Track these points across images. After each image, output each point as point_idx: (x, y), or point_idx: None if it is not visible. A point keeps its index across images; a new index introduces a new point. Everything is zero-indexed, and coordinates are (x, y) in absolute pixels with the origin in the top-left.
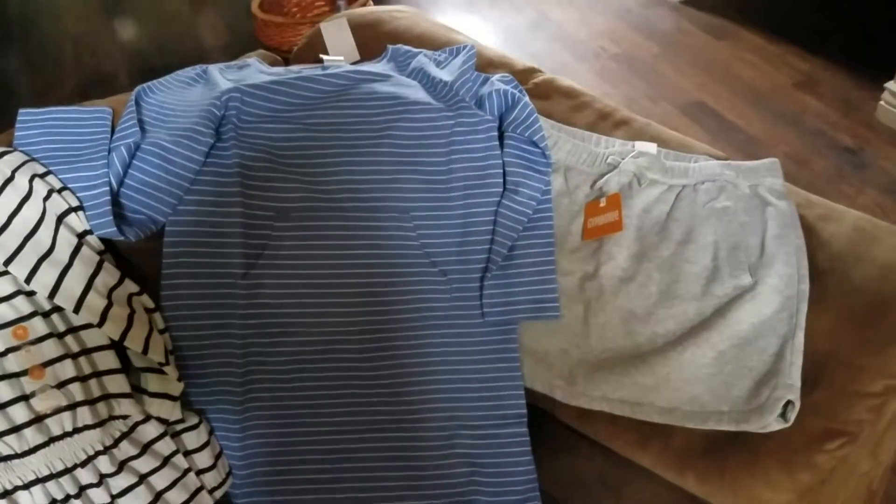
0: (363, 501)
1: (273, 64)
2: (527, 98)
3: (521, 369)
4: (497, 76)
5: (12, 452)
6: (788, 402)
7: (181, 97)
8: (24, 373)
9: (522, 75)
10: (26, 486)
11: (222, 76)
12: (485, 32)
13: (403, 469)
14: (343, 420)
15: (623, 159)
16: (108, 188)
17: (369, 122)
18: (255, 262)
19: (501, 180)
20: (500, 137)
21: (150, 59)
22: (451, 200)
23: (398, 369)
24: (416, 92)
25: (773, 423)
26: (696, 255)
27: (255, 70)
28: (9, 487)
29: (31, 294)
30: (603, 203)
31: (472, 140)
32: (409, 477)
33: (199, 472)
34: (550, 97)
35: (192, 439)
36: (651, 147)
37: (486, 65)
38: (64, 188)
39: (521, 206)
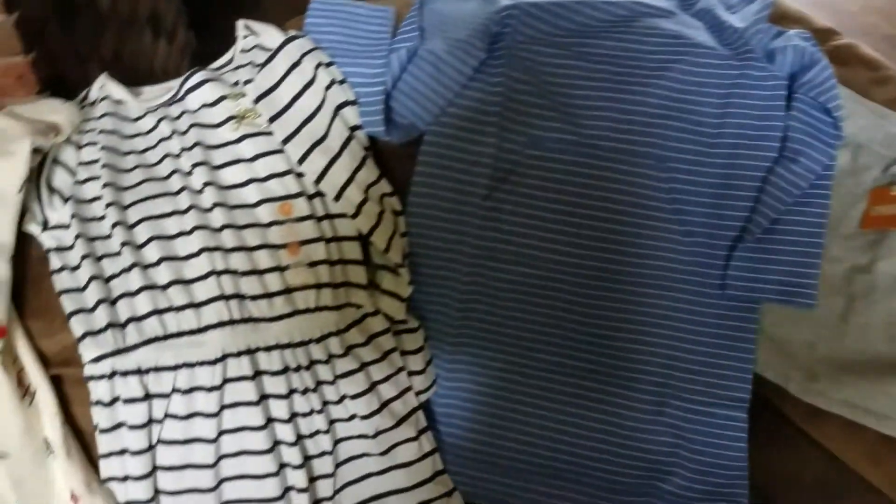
0: (557, 443)
1: None
2: (826, 60)
3: (755, 353)
4: (794, 31)
5: (262, 316)
6: None
7: (460, 8)
8: (282, 246)
9: (820, 35)
10: (267, 349)
11: None
12: None
13: (605, 423)
14: (552, 360)
15: None
16: (383, 87)
17: (644, 59)
18: (499, 185)
19: (779, 144)
20: (788, 98)
21: None
22: (715, 157)
23: (619, 322)
24: (701, 34)
25: None
26: None
27: None
28: (252, 347)
29: (300, 175)
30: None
31: (755, 95)
32: (610, 433)
33: (411, 374)
34: (849, 64)
35: (409, 341)
36: None
37: (779, 18)
38: (343, 81)
39: (795, 178)
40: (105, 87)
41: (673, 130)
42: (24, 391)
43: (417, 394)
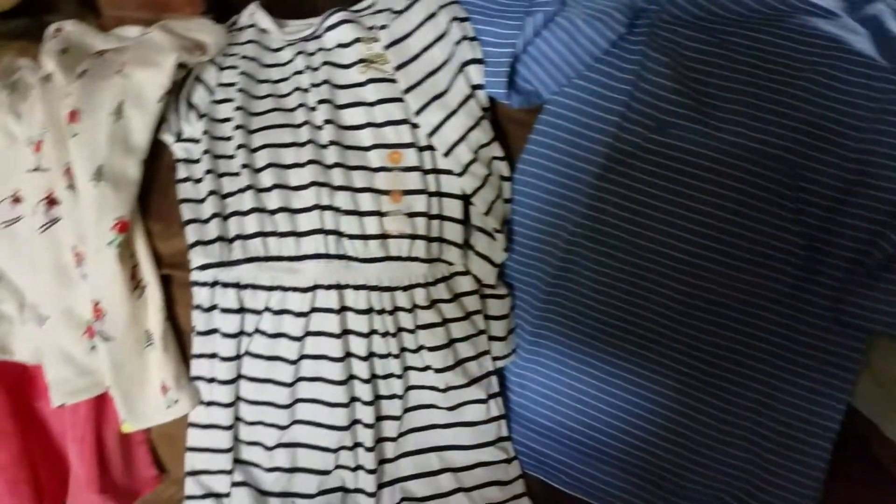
0: (629, 436)
1: None
2: None
3: (853, 384)
4: None
5: (355, 255)
6: None
7: None
8: (386, 192)
9: None
10: (356, 288)
11: None
12: None
13: (684, 427)
14: (638, 353)
15: None
16: (512, 50)
17: (793, 59)
18: (615, 167)
19: None
20: None
21: None
22: (851, 172)
23: (717, 328)
24: (862, 42)
25: None
26: None
27: None
28: (342, 283)
29: (415, 126)
30: None
31: None
32: (687, 437)
33: (491, 338)
34: None
35: (495, 307)
36: None
37: None
38: (474, 38)
39: None
40: (254, 15)
41: (810, 137)
42: (136, 285)
43: (495, 359)
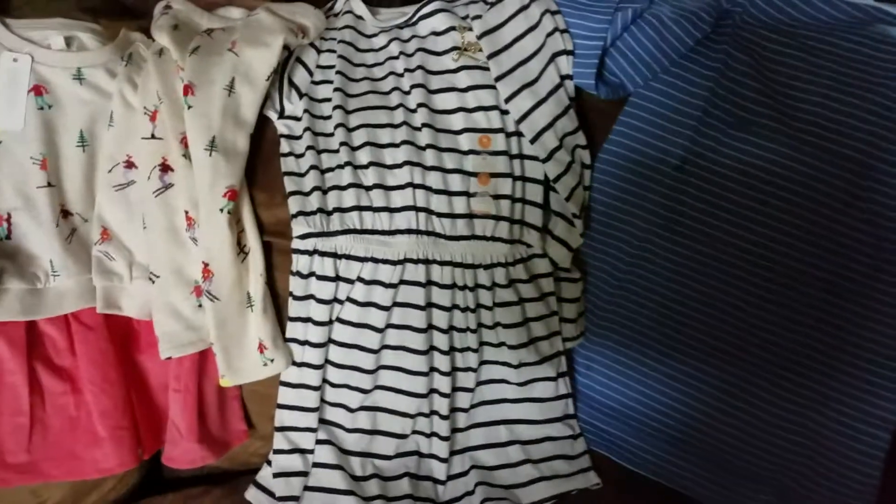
0: (692, 419)
1: None
2: None
3: None
4: None
5: (443, 233)
6: None
7: None
8: (474, 175)
9: None
10: (441, 264)
11: None
12: None
13: (748, 414)
14: (707, 340)
15: None
16: (602, 43)
17: (872, 66)
18: (695, 159)
19: None
20: None
21: None
22: None
23: (785, 320)
24: None
25: None
26: None
27: None
28: (430, 258)
29: (504, 112)
30: None
31: None
32: (751, 423)
33: (562, 320)
34: None
35: (568, 290)
36: None
37: None
38: (566, 30)
39: None
40: (350, 1)
41: (886, 142)
42: (240, 249)
43: (565, 340)
